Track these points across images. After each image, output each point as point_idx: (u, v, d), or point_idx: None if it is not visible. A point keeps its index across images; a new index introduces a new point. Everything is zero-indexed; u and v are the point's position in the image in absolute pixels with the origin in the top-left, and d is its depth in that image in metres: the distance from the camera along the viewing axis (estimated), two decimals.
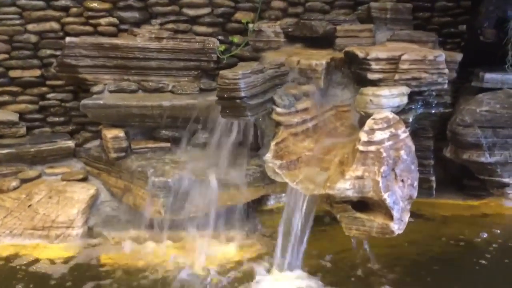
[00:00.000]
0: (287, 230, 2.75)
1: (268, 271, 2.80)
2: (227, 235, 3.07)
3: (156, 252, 2.99)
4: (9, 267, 2.87)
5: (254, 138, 3.18)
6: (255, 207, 3.31)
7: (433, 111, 3.11)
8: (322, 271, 2.79)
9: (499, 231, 3.12)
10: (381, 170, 2.41)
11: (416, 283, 2.70)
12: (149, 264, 2.88)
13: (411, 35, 3.35)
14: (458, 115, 3.06)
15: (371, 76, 2.87)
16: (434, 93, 3.01)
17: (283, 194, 3.17)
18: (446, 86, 2.95)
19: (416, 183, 2.62)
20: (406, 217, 2.50)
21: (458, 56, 3.19)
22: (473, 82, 3.26)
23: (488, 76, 3.21)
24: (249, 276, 2.77)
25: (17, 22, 3.58)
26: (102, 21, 3.60)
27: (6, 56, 3.61)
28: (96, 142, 3.67)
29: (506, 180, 3.10)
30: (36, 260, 2.92)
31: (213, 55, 3.52)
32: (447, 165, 3.35)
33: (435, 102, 3.09)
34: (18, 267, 2.87)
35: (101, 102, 3.33)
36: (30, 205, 3.20)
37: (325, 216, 3.06)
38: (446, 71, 2.91)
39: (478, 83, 3.24)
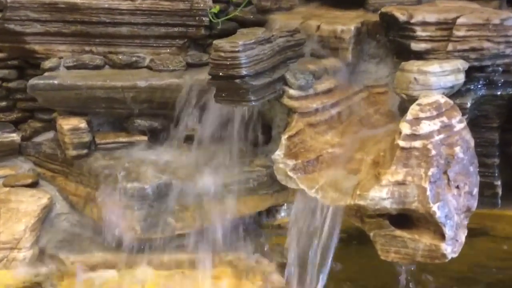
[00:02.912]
0: (300, 254, 2.77)
1: None
2: (223, 259, 3.09)
3: (130, 282, 3.01)
4: None
5: (260, 130, 3.18)
6: (261, 221, 3.35)
7: (499, 93, 3.04)
8: None
9: None
10: (429, 173, 2.41)
11: None
12: None
13: None
14: None
15: (415, 46, 2.86)
16: (500, 68, 2.99)
17: None
18: None
19: (476, 190, 2.62)
20: (463, 235, 2.50)
21: None
22: None
23: None
24: None
25: None
26: None
27: None
28: (50, 135, 3.66)
29: None
30: None
31: (204, 18, 3.49)
32: None
33: (502, 80, 3.04)
34: None
35: (56, 82, 3.32)
36: None
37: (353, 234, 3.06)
38: None
39: None
